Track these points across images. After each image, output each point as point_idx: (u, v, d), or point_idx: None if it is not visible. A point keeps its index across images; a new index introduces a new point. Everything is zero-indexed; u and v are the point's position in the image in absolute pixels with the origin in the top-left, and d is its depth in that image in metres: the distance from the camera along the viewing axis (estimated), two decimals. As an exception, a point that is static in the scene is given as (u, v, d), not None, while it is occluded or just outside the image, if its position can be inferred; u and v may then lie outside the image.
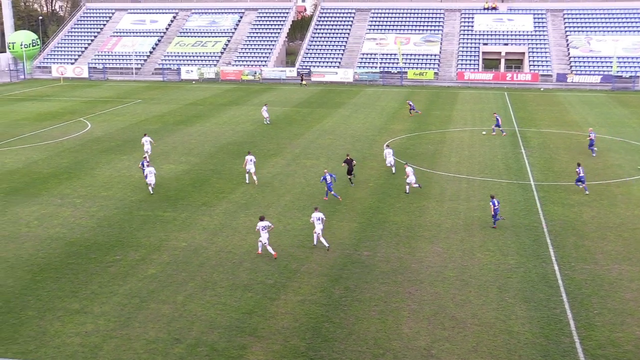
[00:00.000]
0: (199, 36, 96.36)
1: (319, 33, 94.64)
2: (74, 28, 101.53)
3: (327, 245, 27.92)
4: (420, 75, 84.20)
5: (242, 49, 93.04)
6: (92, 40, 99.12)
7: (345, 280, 25.22)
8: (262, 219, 27.48)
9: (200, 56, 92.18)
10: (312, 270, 26.05)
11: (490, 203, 30.49)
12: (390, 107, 64.10)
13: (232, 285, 24.83)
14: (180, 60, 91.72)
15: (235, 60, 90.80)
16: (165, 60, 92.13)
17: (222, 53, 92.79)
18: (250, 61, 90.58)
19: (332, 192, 34.30)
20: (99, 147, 47.02)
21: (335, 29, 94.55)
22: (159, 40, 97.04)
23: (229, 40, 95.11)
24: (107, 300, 23.66)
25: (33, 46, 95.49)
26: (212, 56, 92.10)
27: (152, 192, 35.61)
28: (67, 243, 28.80)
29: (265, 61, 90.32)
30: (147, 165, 36.72)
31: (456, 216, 31.99)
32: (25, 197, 35.29)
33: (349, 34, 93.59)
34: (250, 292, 24.32)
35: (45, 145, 47.85)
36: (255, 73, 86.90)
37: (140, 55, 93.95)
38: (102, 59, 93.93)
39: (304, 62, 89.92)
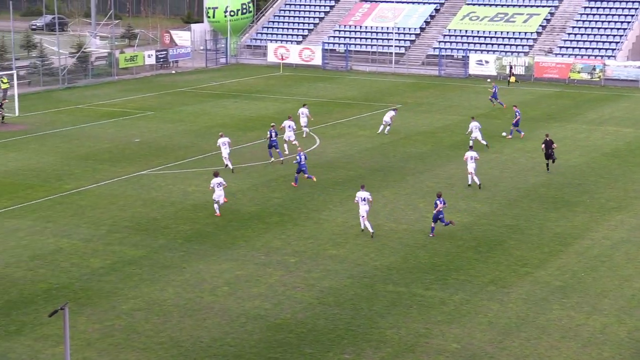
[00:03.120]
0: (502, 5, 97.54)
1: None
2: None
3: (371, 230, 39.30)
4: None
5: (573, 28, 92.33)
6: (330, 8, 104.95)
7: None
8: (216, 175, 42.33)
9: (503, 38, 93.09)
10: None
11: (436, 203, 39.28)
12: None
13: None
14: (468, 43, 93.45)
15: (560, 47, 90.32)
16: (445, 42, 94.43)
17: (538, 35, 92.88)
18: (585, 49, 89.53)
19: (307, 175, 47.12)
20: (329, 177, 49.25)
21: None
22: (436, 10, 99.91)
23: (551, 14, 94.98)
24: None
25: (242, 14, 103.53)
26: (522, 39, 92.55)
27: (229, 167, 49.61)
28: (270, 326, 30.31)
29: (613, 50, 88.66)
30: (222, 135, 50.83)
31: None
32: (213, 247, 38.01)
33: None
34: None
35: (249, 168, 51.22)
36: (594, 69, 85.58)
37: (405, 34, 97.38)
38: (344, 38, 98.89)
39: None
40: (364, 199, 39.42)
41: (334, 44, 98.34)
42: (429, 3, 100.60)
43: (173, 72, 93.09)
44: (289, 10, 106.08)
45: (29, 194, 45.43)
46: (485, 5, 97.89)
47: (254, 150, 55.36)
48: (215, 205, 42.10)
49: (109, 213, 42.39)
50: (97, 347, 28.41)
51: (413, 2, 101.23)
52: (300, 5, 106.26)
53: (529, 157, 54.25)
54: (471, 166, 47.26)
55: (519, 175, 50.03)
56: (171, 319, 30.62)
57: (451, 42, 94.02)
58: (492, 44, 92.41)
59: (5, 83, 71.99)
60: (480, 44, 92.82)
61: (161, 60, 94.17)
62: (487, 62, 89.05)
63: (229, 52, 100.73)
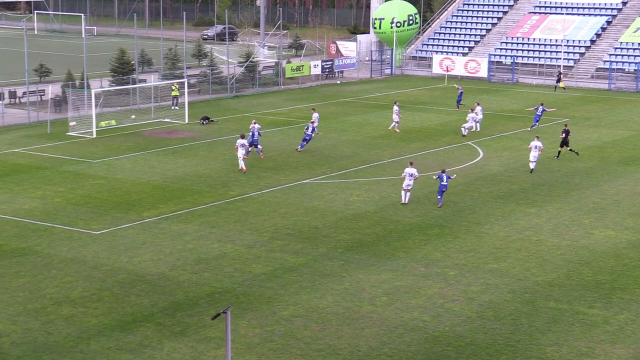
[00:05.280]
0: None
1: None
2: (471, 0, 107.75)
3: (405, 201, 45.66)
4: None
5: None
6: (498, 19, 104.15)
7: None
8: (242, 136, 52.51)
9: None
10: None
11: (438, 177, 45.68)
12: None
13: None
14: None
15: None
16: (616, 56, 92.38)
17: None
18: None
19: (257, 148, 55.18)
20: (492, 190, 48.95)
21: None
22: (608, 23, 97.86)
23: None
24: None
25: (409, 25, 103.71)
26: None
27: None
28: (428, 338, 30.34)
29: None
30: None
31: None
32: (372, 257, 38.26)
33: None
34: None
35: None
36: None
37: (574, 46, 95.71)
38: (511, 50, 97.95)
39: None
40: (411, 175, 45.53)
41: (500, 56, 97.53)
42: (601, 15, 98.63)
43: (338, 82, 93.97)
44: (456, 22, 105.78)
45: (196, 200, 46.70)
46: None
47: (417, 161, 55.31)
48: (242, 162, 51.88)
49: (271, 220, 43.18)
50: (257, 352, 28.99)
51: (584, 14, 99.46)
52: (467, 17, 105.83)
53: (700, 174, 52.65)
54: (533, 155, 52.20)
55: (689, 193, 48.66)
56: (330, 326, 30.98)
57: (622, 55, 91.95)
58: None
59: (175, 90, 74.12)
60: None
61: (327, 70, 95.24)
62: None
63: (394, 63, 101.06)
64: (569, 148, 56.13)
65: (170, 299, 33.36)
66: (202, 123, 67.41)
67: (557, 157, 56.36)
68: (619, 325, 31.25)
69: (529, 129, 66.46)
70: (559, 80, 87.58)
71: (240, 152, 51.86)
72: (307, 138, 58.41)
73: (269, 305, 32.79)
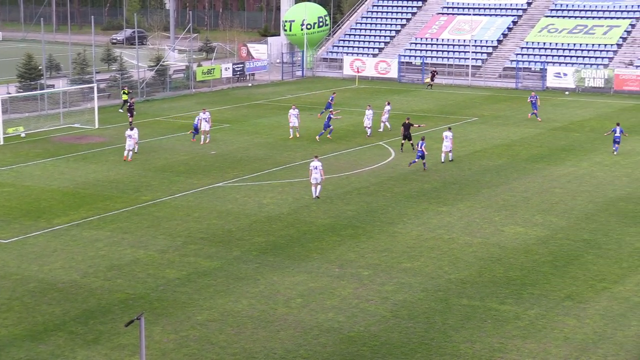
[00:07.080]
0: (581, 17, 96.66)
1: None
2: (381, 1, 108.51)
3: (317, 195, 46.84)
4: None
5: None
6: (407, 21, 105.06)
7: None
8: (131, 128, 56.76)
9: (582, 51, 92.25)
10: None
11: (419, 143, 52.98)
12: None
13: None
14: (546, 56, 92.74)
15: None
16: (523, 55, 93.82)
17: (619, 47, 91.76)
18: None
19: (194, 134, 61.92)
20: (404, 190, 49.25)
21: None
22: (514, 23, 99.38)
23: (632, 26, 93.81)
24: None
25: (319, 27, 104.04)
26: (601, 51, 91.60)
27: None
28: (344, 339, 30.35)
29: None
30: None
31: None
32: (287, 259, 38.19)
33: None
34: None
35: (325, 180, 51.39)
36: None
37: (482, 46, 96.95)
38: (420, 50, 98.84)
39: None
40: (316, 167, 46.61)
41: (410, 56, 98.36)
42: (507, 15, 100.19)
43: (249, 85, 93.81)
44: (366, 24, 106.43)
45: (107, 205, 46.14)
46: (564, 17, 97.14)
47: (331, 163, 55.41)
48: (127, 152, 56.04)
49: (184, 224, 42.87)
50: (172, 357, 28.73)
51: (491, 15, 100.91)
52: (376, 18, 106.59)
53: (607, 170, 53.63)
54: (445, 145, 55.59)
55: (597, 189, 49.48)
56: (245, 330, 30.86)
57: (529, 55, 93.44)
58: (571, 57, 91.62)
59: (125, 94, 74.26)
60: (559, 56, 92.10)
61: (238, 73, 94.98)
62: (565, 74, 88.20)
63: (305, 65, 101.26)
64: (410, 141, 58.80)
65: (82, 306, 32.89)
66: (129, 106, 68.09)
67: (401, 150, 59.09)
68: (529, 321, 31.68)
69: (529, 115, 71.81)
70: (432, 77, 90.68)
71: (128, 143, 56.01)
72: (326, 124, 63.02)
73: (183, 310, 32.53)
